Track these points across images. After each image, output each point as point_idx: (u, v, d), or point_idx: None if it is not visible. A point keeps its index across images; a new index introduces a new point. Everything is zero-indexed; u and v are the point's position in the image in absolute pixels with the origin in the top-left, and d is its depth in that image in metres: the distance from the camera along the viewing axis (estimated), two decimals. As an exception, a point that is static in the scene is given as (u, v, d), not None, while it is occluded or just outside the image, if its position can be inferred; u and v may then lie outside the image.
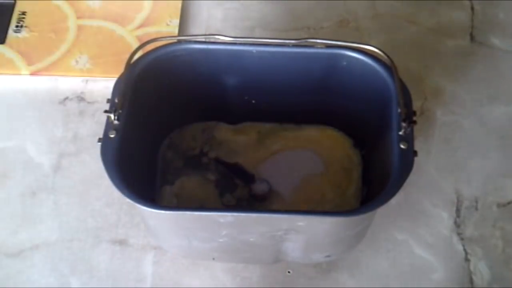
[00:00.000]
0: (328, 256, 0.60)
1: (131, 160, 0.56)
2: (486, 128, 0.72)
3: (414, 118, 0.54)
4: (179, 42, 0.60)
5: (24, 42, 0.77)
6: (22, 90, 0.75)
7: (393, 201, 0.51)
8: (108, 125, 0.54)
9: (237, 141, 0.68)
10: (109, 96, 0.56)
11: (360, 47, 0.59)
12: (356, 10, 0.82)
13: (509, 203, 0.67)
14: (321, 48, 0.59)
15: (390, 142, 0.54)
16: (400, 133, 0.53)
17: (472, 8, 0.83)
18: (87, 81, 0.75)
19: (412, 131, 0.54)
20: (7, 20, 0.79)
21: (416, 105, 0.65)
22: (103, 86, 0.75)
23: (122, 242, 0.64)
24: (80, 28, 0.79)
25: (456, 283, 0.63)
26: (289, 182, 0.66)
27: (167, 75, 0.61)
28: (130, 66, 0.57)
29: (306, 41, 0.59)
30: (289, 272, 0.63)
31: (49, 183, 0.68)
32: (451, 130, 0.72)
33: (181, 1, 0.82)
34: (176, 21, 0.80)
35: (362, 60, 0.59)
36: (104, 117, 0.55)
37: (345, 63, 0.60)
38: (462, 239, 0.65)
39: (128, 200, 0.51)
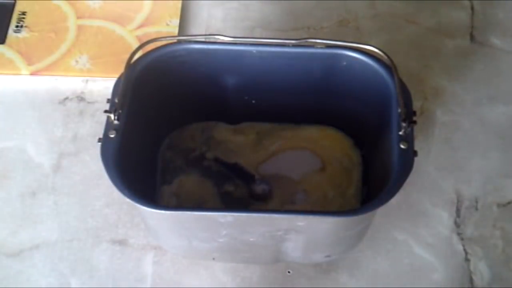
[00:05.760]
0: (328, 256, 0.60)
1: (131, 160, 0.56)
2: (486, 128, 0.72)
3: (414, 118, 0.54)
4: (179, 42, 0.60)
5: (24, 42, 0.77)
6: (22, 90, 0.75)
7: (393, 201, 0.51)
8: (108, 125, 0.54)
9: (237, 141, 0.68)
10: (109, 96, 0.56)
11: (360, 47, 0.59)
12: (356, 10, 0.82)
13: (509, 203, 0.67)
14: (321, 48, 0.59)
15: (390, 142, 0.54)
16: (400, 133, 0.53)
17: (472, 8, 0.83)
18: (87, 81, 0.75)
19: (412, 131, 0.54)
20: (7, 20, 0.79)
21: (416, 105, 0.65)
22: (103, 86, 0.75)
23: (122, 242, 0.64)
24: (80, 28, 0.79)
25: (456, 283, 0.63)
26: (289, 182, 0.66)
27: (167, 75, 0.61)
28: (130, 66, 0.57)
29: (306, 41, 0.59)
30: (289, 272, 0.63)
31: (49, 183, 0.68)
32: (451, 130, 0.72)
33: (181, 1, 0.82)
34: (176, 21, 0.80)
35: (362, 60, 0.59)
36: (104, 117, 0.55)
37: (345, 63, 0.60)
38: (462, 239, 0.65)
39: (128, 200, 0.51)
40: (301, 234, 0.54)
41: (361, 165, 0.66)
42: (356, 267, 0.63)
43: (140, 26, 0.79)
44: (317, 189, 0.65)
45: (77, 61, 0.76)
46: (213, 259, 0.62)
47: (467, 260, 0.64)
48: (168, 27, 0.79)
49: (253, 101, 0.66)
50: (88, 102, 0.74)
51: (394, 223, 0.66)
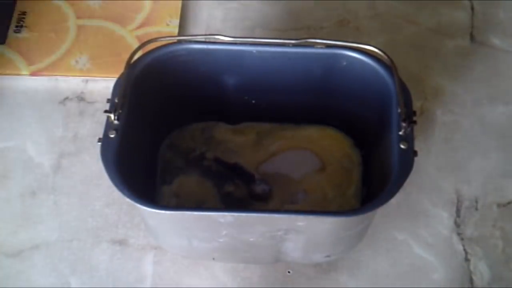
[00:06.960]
0: (328, 256, 0.60)
1: (131, 160, 0.56)
2: (486, 128, 0.72)
3: (414, 118, 0.54)
4: (179, 42, 0.60)
5: (24, 42, 0.77)
6: (22, 90, 0.75)
7: (393, 201, 0.51)
8: (108, 125, 0.54)
9: (237, 141, 0.68)
10: (109, 96, 0.56)
11: (360, 47, 0.59)
12: (356, 10, 0.82)
13: (509, 203, 0.67)
14: (321, 48, 0.59)
15: (390, 142, 0.54)
16: (400, 133, 0.53)
17: (472, 8, 0.83)
18: (87, 81, 0.75)
19: (412, 131, 0.54)
20: (7, 20, 0.79)
21: (416, 105, 0.65)
22: (103, 86, 0.75)
23: (122, 242, 0.64)
24: (80, 28, 0.79)
25: (456, 283, 0.63)
26: (289, 182, 0.66)
27: (167, 75, 0.61)
28: (130, 66, 0.57)
29: (306, 41, 0.59)
30: (289, 272, 0.63)
31: (49, 183, 0.68)
32: (451, 130, 0.72)
33: (181, 1, 0.82)
34: (176, 21, 0.80)
35: (362, 60, 0.59)
36: (104, 117, 0.55)
37: (345, 63, 0.60)
38: (462, 239, 0.65)
39: (128, 200, 0.51)
40: (301, 234, 0.54)
41: (361, 165, 0.66)
42: (356, 267, 0.63)
43: (140, 26, 0.79)
44: (317, 189, 0.65)
45: (77, 61, 0.76)
46: (213, 259, 0.62)
47: (467, 260, 0.64)
48: (168, 27, 0.79)
49: (253, 101, 0.66)
50: (88, 102, 0.74)
51: (394, 223, 0.66)
